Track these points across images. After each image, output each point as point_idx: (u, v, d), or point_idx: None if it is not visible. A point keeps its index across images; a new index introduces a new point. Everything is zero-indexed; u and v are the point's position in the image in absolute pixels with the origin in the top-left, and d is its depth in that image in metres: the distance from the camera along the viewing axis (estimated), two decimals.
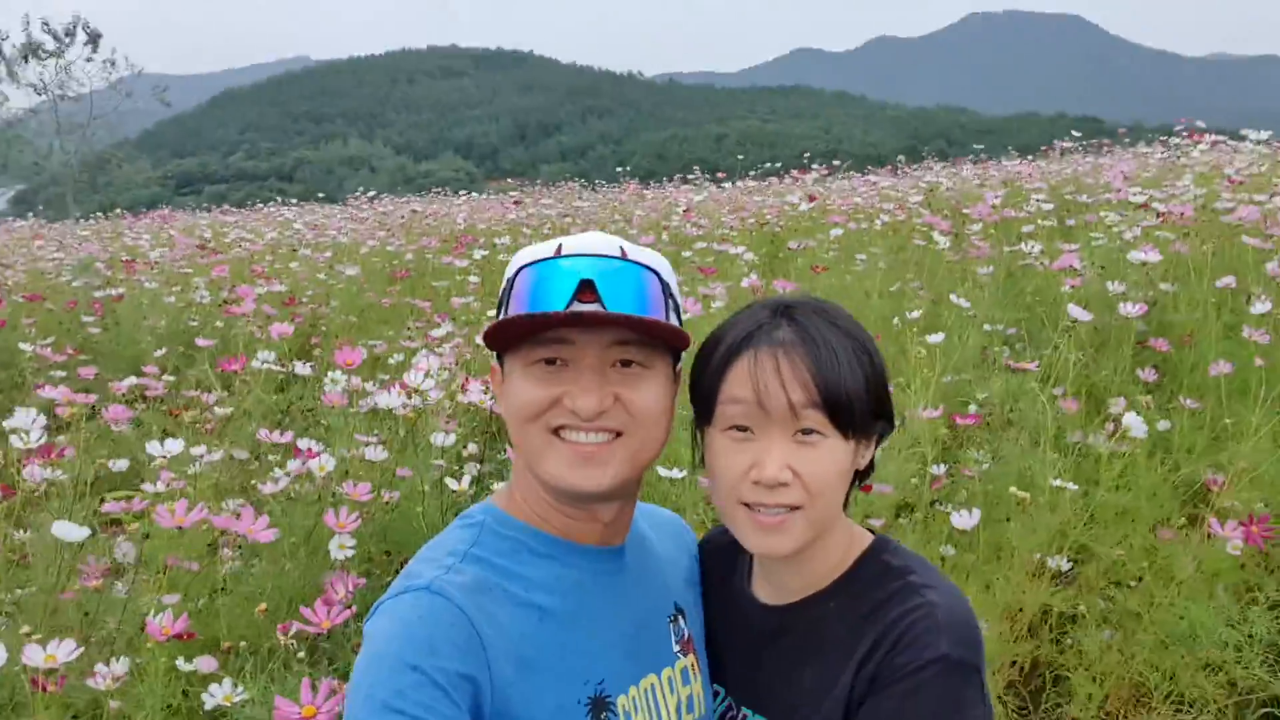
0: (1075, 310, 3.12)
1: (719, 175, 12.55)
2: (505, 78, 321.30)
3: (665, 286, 1.29)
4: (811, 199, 6.82)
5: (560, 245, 1.27)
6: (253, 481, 3.03)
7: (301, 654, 2.33)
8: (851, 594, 1.31)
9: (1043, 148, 13.32)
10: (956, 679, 1.18)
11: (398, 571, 2.97)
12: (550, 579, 1.27)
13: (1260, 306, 3.49)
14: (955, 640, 1.19)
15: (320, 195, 21.17)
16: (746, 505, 1.26)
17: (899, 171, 11.94)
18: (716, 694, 1.46)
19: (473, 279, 6.12)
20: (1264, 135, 6.26)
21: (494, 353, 1.34)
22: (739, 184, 11.64)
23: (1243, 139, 6.80)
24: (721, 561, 1.51)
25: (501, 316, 1.28)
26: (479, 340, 4.17)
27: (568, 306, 1.20)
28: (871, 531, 1.39)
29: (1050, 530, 2.81)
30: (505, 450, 4.23)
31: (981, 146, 14.27)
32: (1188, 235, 4.77)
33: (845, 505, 1.35)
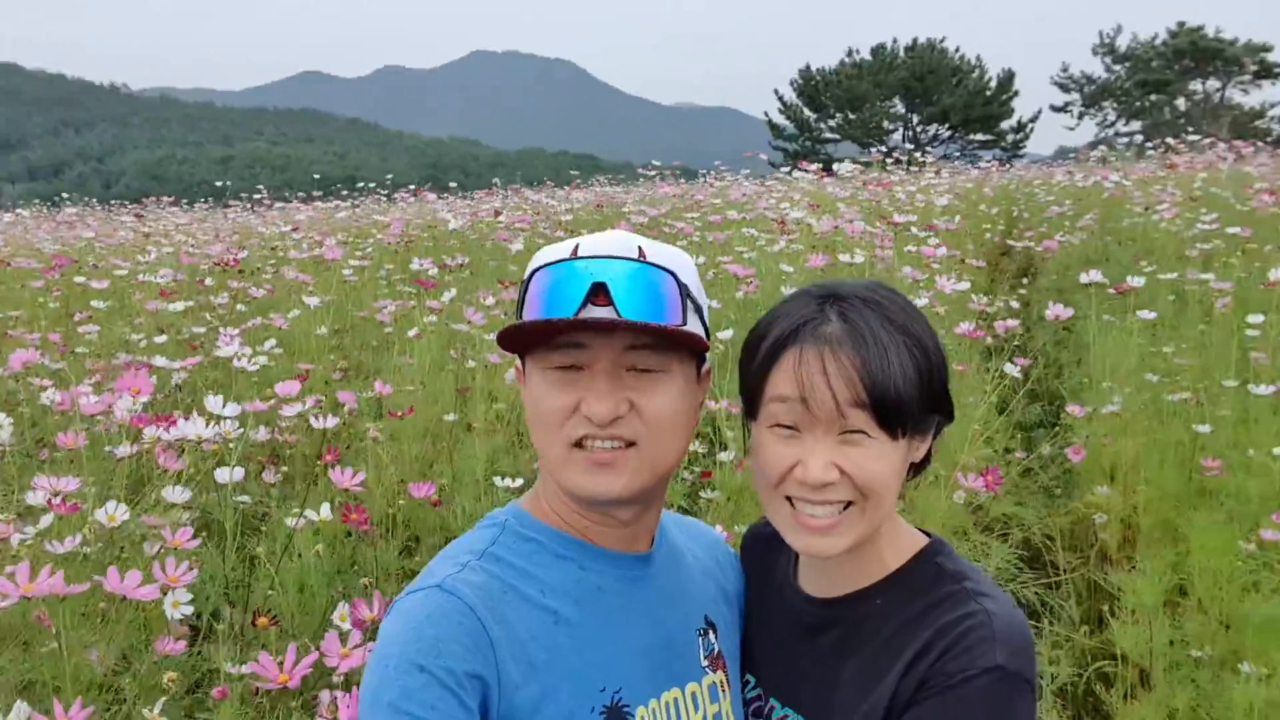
0: None
1: (313, 195, 11.93)
2: None
3: (684, 288, 1.25)
4: (497, 213, 6.81)
5: (577, 246, 1.24)
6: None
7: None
8: (901, 594, 1.28)
9: (605, 179, 14.52)
10: (1008, 690, 1.15)
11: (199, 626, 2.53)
12: (568, 583, 1.25)
13: (922, 300, 4.25)
14: (1010, 651, 1.16)
15: None
16: (790, 501, 1.24)
17: (493, 195, 12.30)
18: (747, 683, 1.43)
19: (99, 304, 5.22)
20: (852, 168, 7.53)
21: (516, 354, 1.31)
22: (318, 205, 11.17)
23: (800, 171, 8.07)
24: (765, 550, 1.48)
25: (516, 321, 1.24)
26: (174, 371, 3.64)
27: (579, 310, 1.17)
28: (926, 534, 1.36)
29: None
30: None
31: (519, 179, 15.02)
32: (815, 248, 5.59)
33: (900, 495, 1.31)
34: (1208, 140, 11.99)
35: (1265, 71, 44.70)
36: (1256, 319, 4.20)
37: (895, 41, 51.99)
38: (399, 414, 3.24)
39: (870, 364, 1.18)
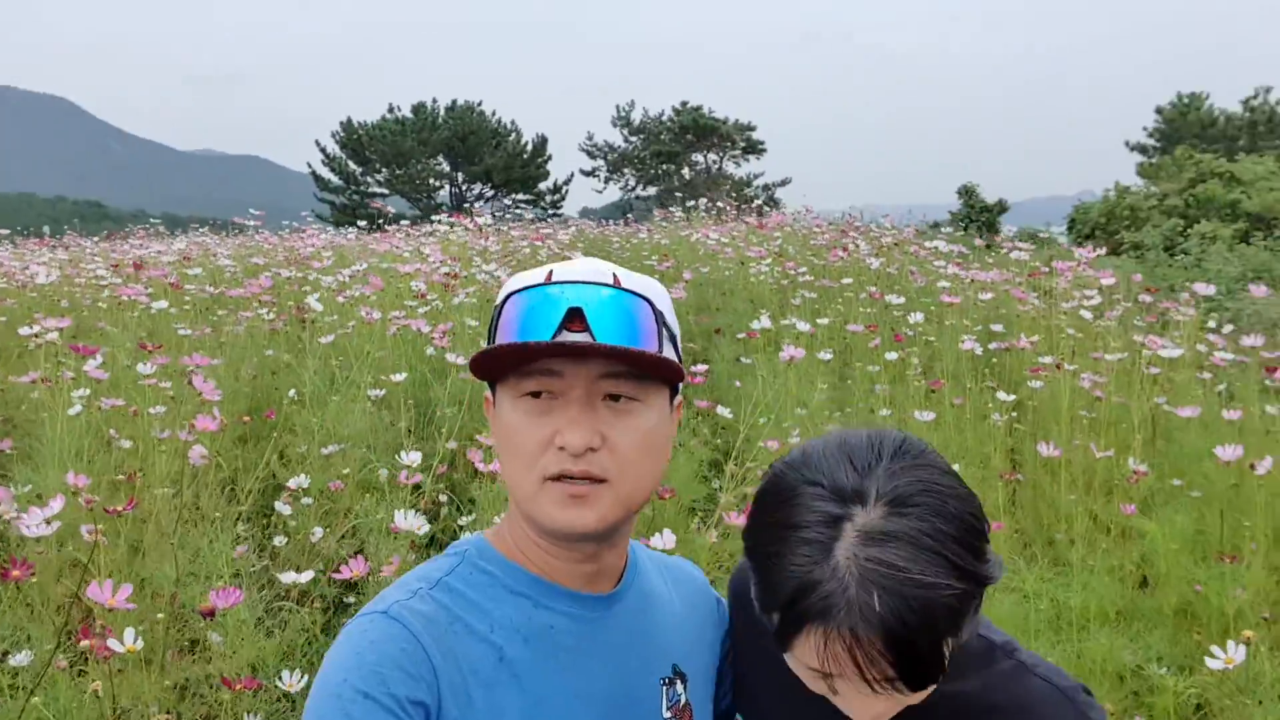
0: None
1: None
2: None
3: (659, 316, 1.24)
4: (139, 266, 5.64)
5: (551, 272, 1.22)
6: None
7: None
8: (953, 672, 1.18)
9: (125, 230, 13.16)
10: None
11: None
12: (518, 620, 1.21)
13: None
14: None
15: None
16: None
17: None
18: None
19: None
20: (488, 221, 7.50)
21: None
22: None
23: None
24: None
25: (489, 345, 1.21)
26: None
27: (555, 336, 1.15)
28: None
29: None
30: None
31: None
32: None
33: None
34: (745, 205, 13.80)
35: (751, 148, 52.41)
36: (891, 355, 4.92)
37: (435, 102, 53.13)
38: (117, 510, 2.61)
39: (903, 653, 1.05)
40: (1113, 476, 3.86)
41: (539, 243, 7.39)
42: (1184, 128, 43.27)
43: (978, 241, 10.26)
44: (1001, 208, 28.35)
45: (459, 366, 4.59)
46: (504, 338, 1.19)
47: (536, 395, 1.17)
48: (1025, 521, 4.01)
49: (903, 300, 5.95)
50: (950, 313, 5.65)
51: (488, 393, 1.28)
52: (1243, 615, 2.94)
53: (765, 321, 4.84)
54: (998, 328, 5.24)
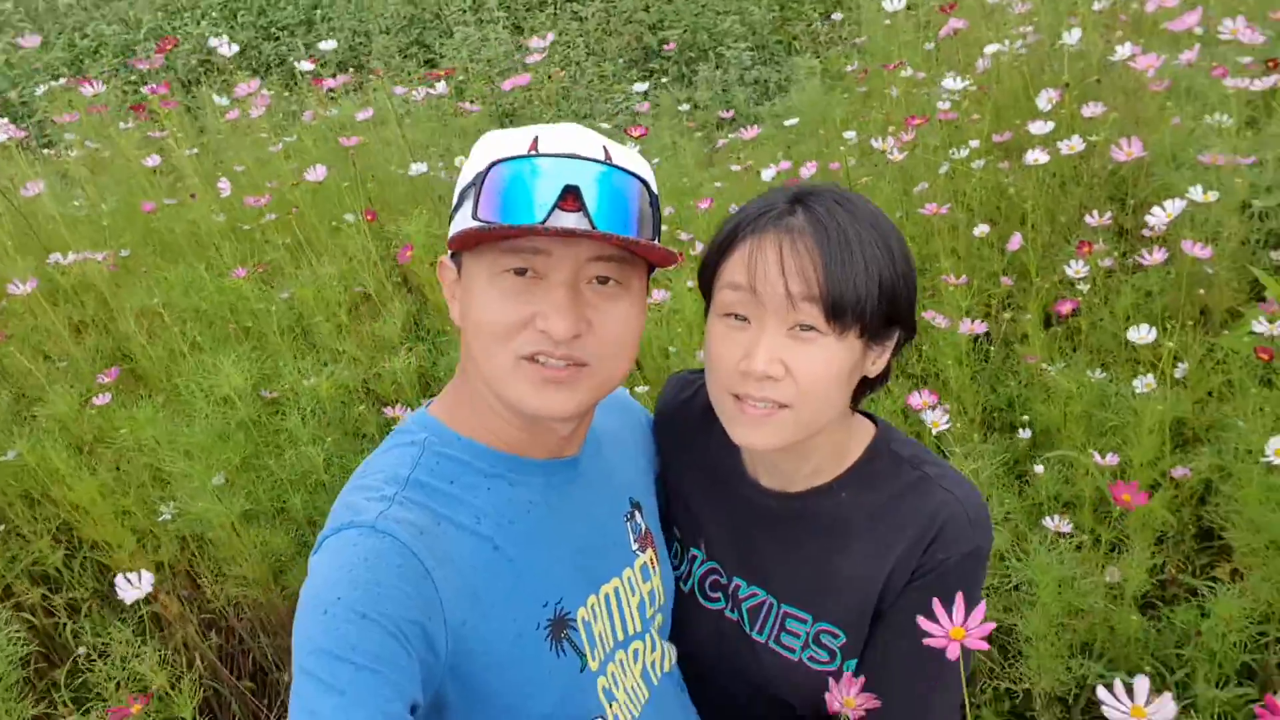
0: None
1: None
2: None
3: (654, 198, 1.16)
4: None
5: (536, 138, 1.14)
6: None
7: None
8: (865, 485, 1.28)
9: None
10: (981, 564, 1.25)
11: None
12: (500, 503, 1.19)
13: None
14: (984, 532, 1.24)
15: None
16: (736, 397, 1.20)
17: None
18: (695, 557, 1.43)
19: None
20: None
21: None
22: None
23: None
24: (696, 424, 1.42)
25: (470, 216, 1.12)
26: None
27: (549, 216, 1.07)
28: (870, 419, 1.35)
29: None
30: None
31: None
32: None
33: (855, 406, 1.31)
34: None
35: None
36: None
37: None
38: None
39: (830, 256, 1.13)
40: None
41: None
42: None
43: None
44: None
45: None
46: (487, 210, 1.09)
47: (519, 272, 1.11)
48: None
49: None
50: None
51: (445, 258, 1.21)
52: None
53: None
54: None
